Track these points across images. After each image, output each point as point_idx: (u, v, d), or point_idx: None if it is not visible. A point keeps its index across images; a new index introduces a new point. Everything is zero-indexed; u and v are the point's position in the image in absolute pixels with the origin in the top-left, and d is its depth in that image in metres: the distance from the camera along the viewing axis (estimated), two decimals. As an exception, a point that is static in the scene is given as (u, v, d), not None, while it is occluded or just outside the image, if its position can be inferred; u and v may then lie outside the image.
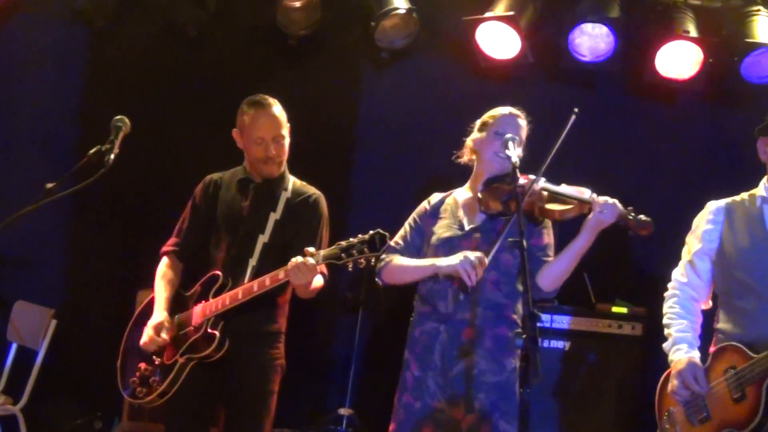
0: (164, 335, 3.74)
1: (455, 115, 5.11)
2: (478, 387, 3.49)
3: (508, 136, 3.51)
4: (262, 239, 3.83)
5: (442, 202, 3.82)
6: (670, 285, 3.75)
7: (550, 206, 3.49)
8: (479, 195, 3.64)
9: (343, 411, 5.41)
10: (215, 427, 3.92)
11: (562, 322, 5.28)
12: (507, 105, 3.79)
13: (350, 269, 3.47)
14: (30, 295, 5.45)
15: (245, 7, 5.66)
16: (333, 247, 3.49)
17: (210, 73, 5.70)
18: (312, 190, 4.00)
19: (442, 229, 3.70)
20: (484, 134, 3.73)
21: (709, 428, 3.42)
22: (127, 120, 3.45)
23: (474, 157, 3.81)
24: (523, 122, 3.74)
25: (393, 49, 5.54)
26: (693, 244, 3.68)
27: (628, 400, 5.23)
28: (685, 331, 3.59)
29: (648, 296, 5.33)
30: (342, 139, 5.82)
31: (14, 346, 5.35)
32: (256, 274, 3.72)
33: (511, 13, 5.29)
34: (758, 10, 5.41)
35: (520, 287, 3.56)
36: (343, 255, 3.43)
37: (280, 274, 3.55)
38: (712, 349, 3.55)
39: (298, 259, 3.47)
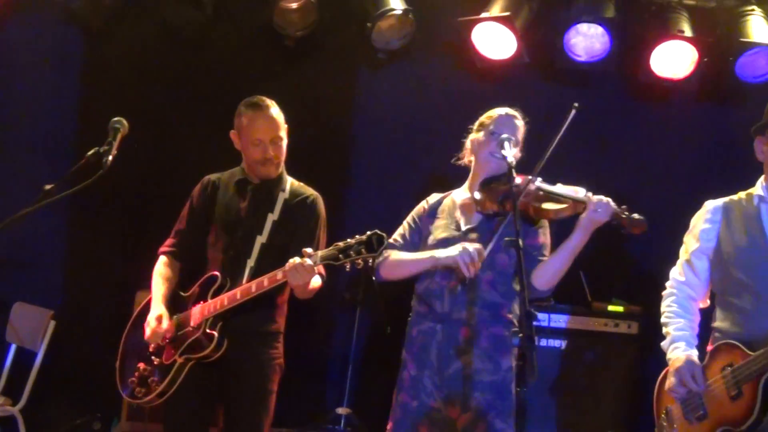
0: (165, 325, 3.74)
1: (451, 115, 5.14)
2: (473, 386, 3.50)
3: (504, 136, 3.51)
4: (260, 240, 3.83)
5: (440, 202, 3.83)
6: (668, 284, 3.75)
7: (544, 206, 3.50)
8: (476, 195, 3.64)
9: (342, 410, 5.42)
10: (214, 427, 3.92)
11: (560, 321, 5.29)
12: (503, 105, 3.80)
13: (348, 270, 3.47)
14: (29, 296, 5.45)
15: (242, 8, 5.67)
16: (331, 248, 3.49)
17: (207, 75, 5.70)
18: (309, 191, 4.00)
19: (439, 230, 3.71)
20: (480, 135, 3.75)
21: (706, 426, 3.43)
22: (124, 121, 3.45)
23: (472, 157, 3.81)
24: (519, 122, 3.74)
25: (389, 49, 5.54)
26: (690, 243, 3.69)
27: (625, 398, 5.25)
28: (683, 330, 3.60)
29: (644, 295, 5.36)
30: (339, 140, 5.83)
31: (13, 347, 5.35)
32: (254, 275, 3.72)
33: (507, 13, 5.30)
34: (752, 10, 5.42)
35: (516, 287, 3.57)
36: (340, 256, 3.44)
37: (278, 274, 3.56)
38: (709, 347, 3.55)
39: (296, 260, 3.48)
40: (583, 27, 5.39)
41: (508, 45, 5.45)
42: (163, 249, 4.02)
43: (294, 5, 5.40)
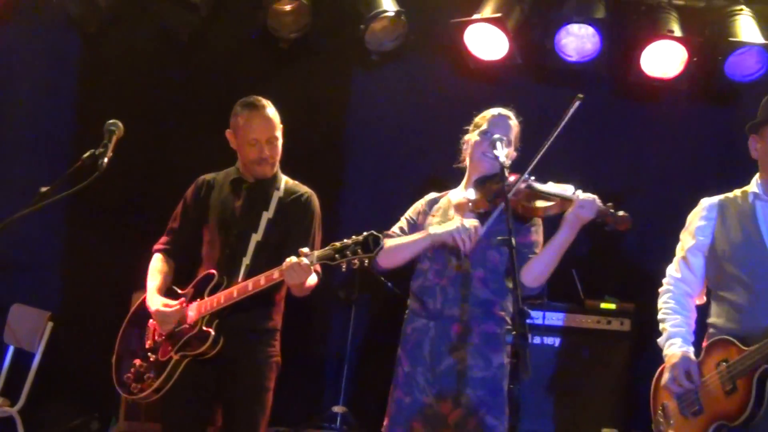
0: (173, 308, 3.74)
1: (444, 115, 5.16)
2: (465, 382, 3.50)
3: (496, 136, 3.52)
4: (255, 238, 3.83)
5: (436, 201, 3.84)
6: (664, 281, 3.76)
7: (532, 204, 3.50)
8: (469, 195, 3.65)
9: (338, 409, 5.42)
10: (212, 425, 3.91)
11: (553, 318, 5.29)
12: (496, 106, 3.80)
13: (344, 270, 3.47)
14: (26, 298, 5.45)
15: (237, 11, 5.67)
16: (327, 248, 3.49)
17: (202, 77, 5.70)
18: (304, 189, 4.00)
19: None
20: (474, 135, 3.76)
21: (701, 421, 3.44)
22: (120, 124, 3.44)
23: (468, 158, 3.82)
24: (512, 122, 3.75)
25: (382, 51, 5.55)
26: (686, 240, 3.70)
27: (618, 394, 5.26)
28: (679, 326, 3.61)
29: (636, 292, 5.37)
30: (333, 140, 5.83)
31: (11, 349, 5.35)
32: (249, 273, 3.72)
33: (499, 15, 5.31)
34: (741, 10, 5.44)
35: (507, 284, 3.57)
36: (337, 256, 3.44)
37: (275, 273, 3.56)
38: (704, 343, 3.56)
39: (293, 259, 3.48)
40: (574, 27, 5.41)
41: (500, 46, 5.47)
42: (157, 247, 4.02)
43: (288, 8, 5.42)
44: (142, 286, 4.04)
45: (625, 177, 5.77)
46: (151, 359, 3.80)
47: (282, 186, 3.96)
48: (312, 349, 5.74)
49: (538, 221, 3.68)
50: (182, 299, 3.78)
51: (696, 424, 3.46)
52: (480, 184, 3.64)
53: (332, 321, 5.75)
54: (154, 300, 3.81)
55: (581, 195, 3.41)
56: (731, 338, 3.39)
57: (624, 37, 5.61)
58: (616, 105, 5.87)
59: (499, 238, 3.17)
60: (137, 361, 3.85)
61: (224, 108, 3.99)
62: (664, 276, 3.80)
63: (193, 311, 3.76)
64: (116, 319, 4.13)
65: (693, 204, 3.77)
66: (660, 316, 3.70)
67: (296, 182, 4.03)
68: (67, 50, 5.72)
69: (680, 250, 3.73)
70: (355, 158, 5.87)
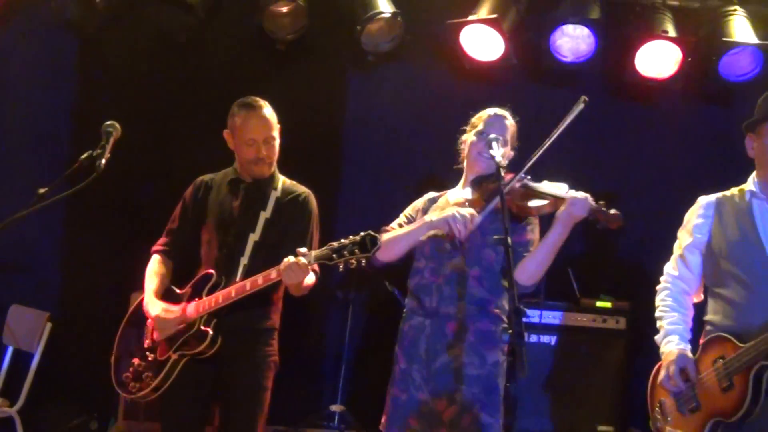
0: (174, 315, 3.73)
1: (440, 116, 5.16)
2: (460, 380, 3.50)
3: (492, 136, 3.52)
4: (253, 238, 3.83)
5: (435, 200, 3.85)
6: (662, 278, 3.77)
7: (526, 203, 3.51)
8: (466, 194, 3.66)
9: (335, 408, 5.42)
10: (210, 425, 3.91)
11: (550, 317, 5.30)
12: (491, 106, 3.80)
13: (341, 270, 3.47)
14: (25, 299, 5.45)
15: (233, 13, 5.67)
16: (324, 247, 3.49)
17: (200, 78, 5.70)
18: (301, 189, 4.01)
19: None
20: (471, 136, 3.77)
21: (698, 418, 3.45)
22: (117, 125, 3.45)
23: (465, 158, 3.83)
24: (508, 122, 3.75)
25: (378, 52, 5.55)
26: (684, 238, 3.71)
27: (614, 392, 5.26)
28: (676, 324, 3.62)
29: (631, 291, 5.38)
30: (330, 141, 5.83)
31: (10, 350, 5.35)
32: (247, 273, 3.72)
33: (495, 16, 5.32)
34: (735, 10, 5.45)
35: (503, 283, 3.57)
36: (334, 256, 3.43)
37: (273, 273, 3.56)
38: (701, 340, 3.57)
39: (291, 259, 3.48)
40: (569, 28, 5.41)
41: (495, 47, 5.47)
42: (156, 248, 4.02)
43: (284, 9, 5.42)
44: (140, 287, 4.04)
45: (620, 176, 5.78)
46: (150, 359, 3.80)
47: (279, 186, 3.97)
48: (310, 348, 5.74)
49: (534, 220, 3.68)
50: (183, 306, 3.77)
51: (693, 420, 3.47)
52: (477, 183, 3.65)
53: (330, 320, 5.76)
54: (154, 305, 3.80)
55: (573, 194, 3.42)
56: (728, 335, 3.40)
57: (619, 38, 5.61)
58: (611, 105, 5.87)
59: (495, 237, 3.18)
60: (136, 361, 3.85)
61: (222, 109, 3.99)
62: (658, 274, 3.82)
63: (191, 311, 3.76)
64: (115, 319, 4.13)
65: (688, 203, 3.78)
66: (657, 313, 3.71)
67: (294, 182, 4.04)
68: (65, 52, 5.72)
69: (678, 248, 3.74)
70: (352, 158, 5.88)
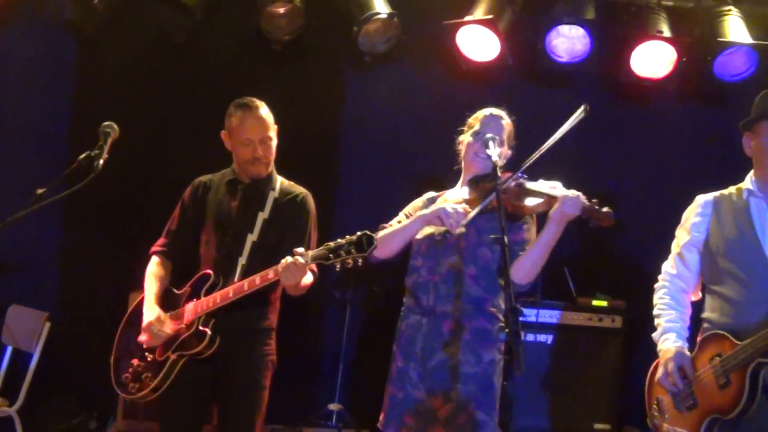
0: (167, 327, 3.73)
1: (437, 115, 5.16)
2: (456, 378, 3.51)
3: (488, 136, 3.53)
4: (251, 238, 3.83)
5: (434, 200, 3.86)
6: (660, 277, 3.78)
7: (521, 201, 3.51)
8: (465, 194, 3.67)
9: (333, 407, 5.43)
10: (208, 424, 3.90)
11: (547, 316, 5.31)
12: (488, 106, 3.81)
13: (338, 269, 3.46)
14: (24, 299, 5.44)
15: (231, 14, 5.67)
16: (321, 247, 3.49)
17: (197, 79, 5.70)
18: (299, 190, 4.00)
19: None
20: (467, 136, 3.78)
21: (696, 415, 3.45)
22: (115, 126, 3.43)
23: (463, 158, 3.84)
24: (504, 122, 3.76)
25: (375, 52, 5.55)
26: (682, 236, 3.72)
27: (610, 390, 5.28)
28: (674, 321, 3.63)
29: (627, 290, 5.38)
30: (327, 140, 5.83)
31: (9, 350, 5.35)
32: (245, 273, 3.72)
33: (490, 16, 5.32)
34: (729, 10, 5.46)
35: (499, 282, 3.57)
36: (331, 255, 3.43)
37: (270, 273, 3.56)
38: (699, 337, 3.57)
39: (288, 259, 3.47)
40: (564, 28, 5.41)
41: (491, 47, 5.47)
42: (155, 249, 4.01)
43: (281, 10, 5.42)
44: (138, 287, 4.04)
45: (616, 176, 5.79)
46: (149, 359, 3.80)
47: (278, 186, 3.96)
48: (308, 347, 5.74)
49: (530, 219, 3.69)
50: (181, 327, 3.76)
51: (690, 417, 3.48)
52: (474, 183, 3.67)
53: (327, 320, 5.76)
54: (151, 310, 3.79)
55: (566, 192, 3.42)
56: (725, 333, 3.41)
57: (614, 38, 5.62)
58: (607, 105, 5.87)
59: (491, 236, 3.18)
60: (135, 361, 3.84)
61: (219, 109, 3.99)
62: (654, 273, 3.82)
63: (189, 311, 3.76)
64: (113, 319, 4.13)
65: (682, 202, 3.79)
66: (655, 311, 3.72)
67: (291, 183, 4.03)
68: (64, 53, 5.71)
69: (676, 246, 3.75)
70: (349, 158, 5.88)
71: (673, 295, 3.69)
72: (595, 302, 5.36)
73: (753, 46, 5.32)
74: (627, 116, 5.91)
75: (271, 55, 5.61)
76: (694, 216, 3.67)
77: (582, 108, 3.42)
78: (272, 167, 3.98)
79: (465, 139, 3.79)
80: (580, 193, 3.41)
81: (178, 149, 5.53)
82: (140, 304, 3.93)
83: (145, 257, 4.02)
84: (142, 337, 3.76)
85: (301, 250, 3.50)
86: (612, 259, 5.83)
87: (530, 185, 3.52)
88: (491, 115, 3.75)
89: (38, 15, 5.55)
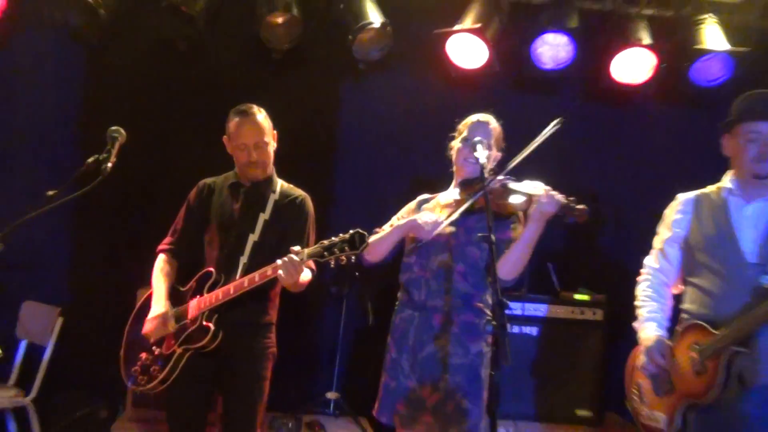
0: (170, 326, 3.76)
1: (428, 120, 5.17)
2: (445, 369, 3.55)
3: (476, 139, 3.57)
4: (253, 238, 3.84)
5: (427, 201, 3.90)
6: (643, 270, 3.82)
7: (504, 201, 3.55)
8: (456, 196, 3.70)
9: (331, 395, 5.43)
10: (214, 411, 3.92)
11: (532, 309, 5.31)
12: (476, 111, 3.86)
13: (332, 266, 3.49)
14: (37, 295, 5.47)
15: (232, 23, 5.66)
16: (316, 245, 3.51)
17: (200, 85, 5.69)
18: (298, 192, 4.02)
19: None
20: (457, 142, 3.82)
21: (673, 399, 3.51)
22: (122, 130, 3.45)
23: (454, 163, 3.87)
24: (492, 126, 3.79)
25: (369, 60, 5.55)
26: (663, 232, 3.76)
27: (592, 378, 5.29)
28: (655, 312, 3.67)
29: (607, 284, 5.40)
30: (324, 144, 5.83)
31: (24, 343, 5.38)
32: (247, 271, 3.73)
33: (479, 25, 5.32)
34: (705, 19, 5.46)
35: (487, 278, 3.60)
36: (325, 253, 3.45)
37: (268, 271, 3.58)
38: (678, 327, 3.61)
39: (285, 258, 3.48)
40: (549, 37, 5.42)
41: (480, 55, 5.47)
42: (161, 247, 4.03)
43: (280, 20, 5.42)
44: (145, 283, 4.05)
45: (598, 176, 5.80)
46: (156, 353, 3.81)
47: (278, 189, 3.98)
48: (307, 339, 5.75)
49: (518, 219, 3.71)
50: (184, 324, 3.78)
51: (668, 401, 3.53)
52: (464, 185, 3.71)
53: (325, 314, 5.76)
54: (159, 305, 3.81)
55: (543, 191, 3.45)
56: (702, 323, 3.44)
57: (596, 46, 5.62)
58: (590, 109, 5.89)
59: (479, 234, 3.20)
60: (143, 355, 3.86)
61: (221, 114, 4.00)
62: (633, 269, 3.87)
63: (193, 307, 3.77)
64: (122, 314, 4.14)
65: (661, 200, 3.83)
66: (637, 302, 3.76)
67: (291, 185, 4.05)
68: (71, 61, 5.70)
69: (658, 242, 3.79)
70: (345, 160, 5.88)
71: (654, 287, 3.73)
72: (577, 296, 5.37)
73: (728, 53, 5.34)
74: (609, 120, 5.92)
75: (270, 63, 5.60)
76: (675, 213, 3.71)
77: (557, 120, 3.44)
78: (272, 170, 4.00)
79: (455, 145, 3.83)
80: (555, 192, 3.44)
81: (181, 152, 5.53)
82: (147, 299, 3.95)
83: (151, 256, 4.04)
84: (146, 327, 3.78)
85: (297, 248, 3.51)
86: (593, 255, 5.85)
87: (513, 185, 3.56)
88: (478, 121, 3.79)
89: (47, 23, 5.53)
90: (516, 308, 5.25)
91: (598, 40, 5.64)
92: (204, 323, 3.71)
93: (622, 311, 4.16)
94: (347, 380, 5.56)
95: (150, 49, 5.59)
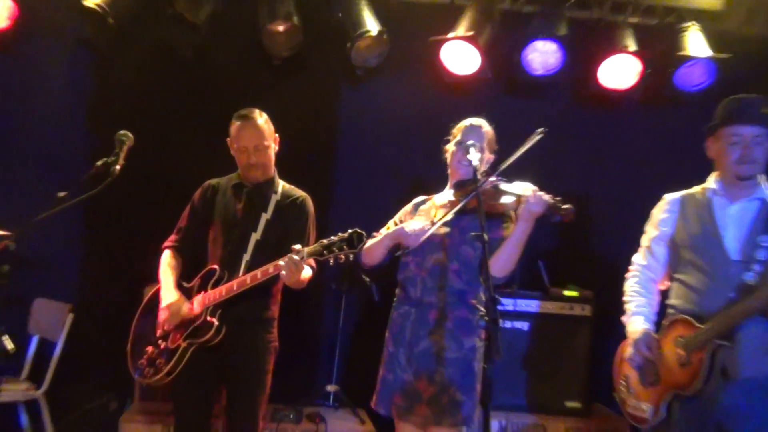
0: (184, 313, 3.77)
1: (423, 124, 5.17)
2: (440, 362, 3.56)
3: (469, 143, 3.58)
4: (255, 237, 3.86)
5: (423, 203, 3.91)
6: (631, 267, 3.85)
7: (494, 201, 3.56)
8: (450, 197, 3.72)
9: (331, 387, 5.43)
10: (218, 403, 3.93)
11: (523, 305, 5.32)
12: (469, 115, 3.87)
13: (331, 264, 3.51)
14: (48, 292, 5.46)
15: (234, 31, 5.66)
16: (316, 244, 3.53)
17: (204, 90, 5.68)
18: (299, 193, 4.03)
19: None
20: (451, 146, 3.84)
21: (659, 390, 3.54)
22: (130, 134, 3.47)
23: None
24: (485, 129, 3.82)
25: (367, 66, 5.55)
26: (651, 231, 3.78)
27: (580, 372, 5.30)
28: (642, 306, 3.70)
29: (595, 281, 5.41)
30: (324, 148, 5.82)
31: (36, 339, 5.37)
32: (249, 268, 3.75)
33: (472, 33, 5.33)
34: (688, 27, 5.47)
35: (480, 276, 3.60)
36: (324, 251, 3.47)
37: (270, 268, 3.60)
38: (665, 321, 3.63)
39: (286, 257, 3.50)
40: (539, 44, 5.42)
41: (472, 61, 5.47)
42: (167, 244, 4.05)
43: (281, 28, 5.41)
44: (152, 280, 4.06)
45: (586, 177, 5.80)
46: (162, 346, 3.83)
47: (279, 190, 3.99)
48: (307, 334, 5.75)
49: (510, 219, 3.72)
50: (193, 314, 3.79)
51: (654, 392, 3.56)
52: (458, 187, 3.71)
53: (325, 310, 5.76)
54: (170, 294, 3.82)
55: (531, 191, 3.46)
56: (688, 317, 3.46)
57: (584, 52, 5.63)
58: (578, 113, 5.89)
59: (472, 234, 3.21)
60: (149, 349, 3.87)
61: (225, 118, 4.02)
62: (619, 266, 3.90)
63: (197, 303, 3.78)
64: (130, 310, 4.15)
65: (647, 200, 3.85)
66: (625, 297, 3.79)
67: (292, 186, 4.07)
68: (80, 68, 5.69)
69: (646, 240, 3.81)
70: (344, 163, 5.88)
71: (642, 283, 3.76)
72: (566, 292, 5.38)
73: (711, 59, 5.35)
74: (597, 123, 5.92)
75: (271, 69, 5.61)
76: (662, 213, 3.73)
77: (540, 130, 3.45)
78: (274, 172, 4.01)
79: (450, 147, 3.84)
80: (543, 192, 3.45)
81: (186, 154, 5.52)
82: (154, 295, 3.97)
83: (157, 253, 4.05)
84: (161, 315, 3.79)
85: (298, 247, 3.52)
86: (582, 253, 5.85)
87: (504, 186, 3.57)
88: (471, 125, 3.81)
89: (57, 32, 5.55)
90: (508, 304, 5.25)
91: (586, 48, 5.65)
92: (208, 318, 3.73)
93: (610, 307, 4.17)
94: (346, 373, 5.57)
95: (156, 56, 5.59)
